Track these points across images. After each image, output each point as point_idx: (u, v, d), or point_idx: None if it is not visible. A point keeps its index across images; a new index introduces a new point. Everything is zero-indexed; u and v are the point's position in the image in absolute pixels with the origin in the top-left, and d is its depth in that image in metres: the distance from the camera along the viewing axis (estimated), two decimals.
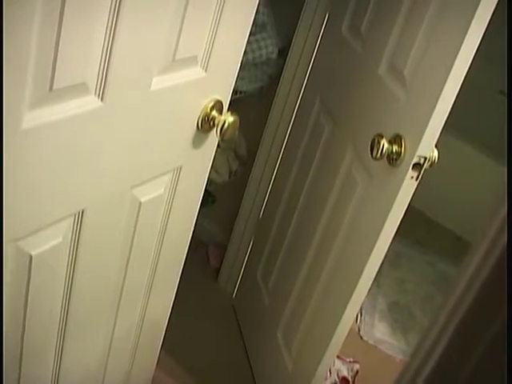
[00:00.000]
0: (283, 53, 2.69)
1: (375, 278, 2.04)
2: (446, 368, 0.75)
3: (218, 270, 3.26)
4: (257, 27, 2.59)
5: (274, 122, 2.78)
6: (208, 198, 3.18)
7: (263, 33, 2.62)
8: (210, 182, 2.98)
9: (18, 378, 1.57)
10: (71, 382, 1.78)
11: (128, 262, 1.69)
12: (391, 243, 1.97)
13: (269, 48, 2.63)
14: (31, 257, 1.34)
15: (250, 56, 2.59)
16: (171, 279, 1.96)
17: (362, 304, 2.63)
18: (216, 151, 1.76)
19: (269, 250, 2.78)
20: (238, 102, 1.99)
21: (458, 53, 1.63)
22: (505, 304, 0.67)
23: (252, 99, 2.81)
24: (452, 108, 1.71)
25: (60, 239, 1.41)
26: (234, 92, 2.65)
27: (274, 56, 2.67)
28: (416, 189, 1.84)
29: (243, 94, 2.75)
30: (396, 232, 1.93)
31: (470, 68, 1.66)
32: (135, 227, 1.63)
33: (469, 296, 0.72)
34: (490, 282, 0.70)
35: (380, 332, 3.23)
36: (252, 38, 2.56)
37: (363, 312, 3.30)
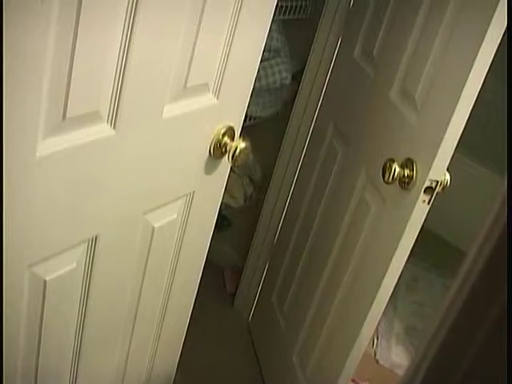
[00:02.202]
0: (297, 78, 2.71)
1: (392, 302, 2.04)
2: (439, 371, 0.76)
3: (233, 295, 3.26)
4: (270, 53, 2.62)
5: (288, 146, 2.80)
6: (223, 222, 3.20)
7: (277, 58, 2.64)
8: (225, 206, 3.01)
9: None
10: None
11: (142, 286, 1.71)
12: (408, 267, 1.97)
13: (282, 74, 2.65)
14: (45, 282, 1.36)
15: (263, 82, 2.61)
16: (186, 303, 1.97)
17: (378, 328, 2.61)
18: (231, 176, 1.78)
19: (284, 273, 2.79)
20: (252, 128, 2.01)
21: (468, 75, 1.63)
22: (493, 305, 0.68)
23: (266, 124, 2.83)
24: (464, 129, 1.72)
25: (74, 265, 1.43)
26: (249, 118, 2.68)
27: (288, 81, 2.69)
28: (431, 211, 1.84)
29: (257, 120, 2.77)
30: (412, 255, 1.93)
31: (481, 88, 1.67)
32: (149, 252, 1.64)
33: (460, 297, 0.73)
34: (479, 282, 0.71)
35: (397, 356, 3.21)
36: (266, 64, 2.59)
37: (379, 336, 3.28)
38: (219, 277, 3.39)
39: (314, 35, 2.59)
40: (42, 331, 1.45)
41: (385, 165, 1.87)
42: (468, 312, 0.72)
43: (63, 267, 1.40)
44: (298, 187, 2.74)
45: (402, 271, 1.98)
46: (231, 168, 1.75)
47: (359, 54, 2.31)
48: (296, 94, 2.72)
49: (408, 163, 1.83)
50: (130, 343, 1.83)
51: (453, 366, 0.74)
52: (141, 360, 1.95)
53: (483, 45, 1.60)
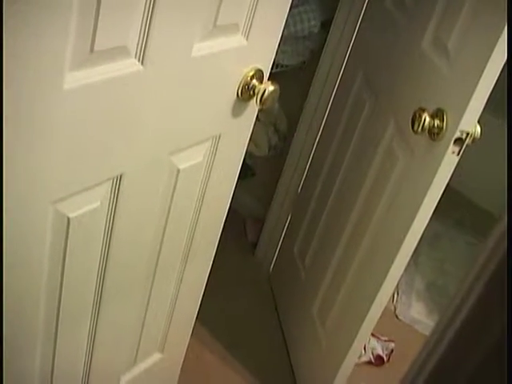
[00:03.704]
0: (325, 26, 2.67)
1: (413, 258, 2.02)
2: (446, 367, 0.74)
3: (255, 245, 3.26)
4: (299, 0, 2.57)
5: (314, 96, 2.76)
6: (247, 171, 3.18)
7: (306, 5, 2.59)
8: (249, 155, 2.99)
9: (54, 344, 1.59)
10: (106, 347, 1.80)
11: (165, 229, 1.69)
12: (431, 223, 1.94)
13: (311, 21, 2.61)
14: (69, 219, 1.35)
15: (292, 29, 2.57)
16: (208, 249, 1.96)
17: (399, 284, 2.59)
18: (256, 125, 1.75)
19: (306, 225, 2.77)
20: (279, 76, 1.97)
21: (503, 27, 1.59)
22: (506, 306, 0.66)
23: (293, 73, 2.80)
24: (495, 85, 1.68)
25: (98, 203, 1.42)
26: (276, 65, 2.65)
27: (316, 30, 2.65)
28: (456, 170, 1.81)
29: (285, 68, 2.74)
30: (436, 212, 1.91)
31: None
32: (173, 194, 1.63)
33: (471, 297, 0.71)
34: (492, 282, 0.69)
35: (417, 312, 3.21)
36: (294, 11, 2.54)
37: (400, 292, 3.28)
38: (241, 226, 3.39)
39: None
40: (65, 270, 1.45)
41: (414, 114, 1.83)
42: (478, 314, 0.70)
43: (87, 205, 1.39)
44: (324, 138, 2.71)
45: (426, 227, 1.95)
46: (257, 116, 1.72)
47: (391, 3, 2.26)
48: (324, 43, 2.68)
49: (438, 113, 1.80)
50: (150, 289, 1.83)
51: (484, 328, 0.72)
52: (161, 306, 1.95)
53: None
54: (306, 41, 2.71)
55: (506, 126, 3.64)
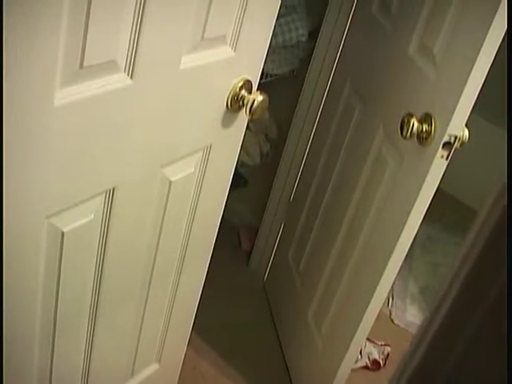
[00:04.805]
0: (313, 35, 2.69)
1: (407, 262, 2.04)
2: (427, 365, 0.75)
3: (249, 253, 3.27)
4: (287, 9, 2.59)
5: (304, 104, 2.78)
6: (240, 180, 3.19)
7: (293, 15, 2.61)
8: (241, 164, 3.00)
9: (51, 355, 1.60)
10: (103, 358, 1.81)
11: (159, 240, 1.71)
12: (423, 227, 1.96)
13: (299, 30, 2.63)
14: (63, 233, 1.37)
15: (280, 39, 2.58)
16: (202, 259, 1.97)
17: (393, 288, 2.60)
18: (247, 134, 1.77)
19: (300, 232, 2.78)
20: (268, 85, 1.99)
21: (488, 29, 1.61)
22: (485, 298, 0.68)
23: (283, 82, 2.81)
24: (482, 88, 1.70)
25: (91, 216, 1.43)
26: (265, 75, 2.66)
27: (304, 39, 2.67)
28: (447, 173, 1.83)
29: (274, 77, 2.75)
30: (428, 216, 1.92)
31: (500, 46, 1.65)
32: (166, 206, 1.64)
33: (453, 288, 0.72)
34: (474, 270, 0.70)
35: (411, 315, 3.22)
36: (282, 21, 2.56)
37: (394, 296, 3.29)
38: (234, 235, 3.40)
39: None
40: (60, 283, 1.46)
41: (403, 120, 1.85)
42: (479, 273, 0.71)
43: (81, 219, 1.41)
44: (315, 145, 2.73)
45: (418, 231, 1.97)
46: (247, 126, 1.74)
47: (377, 10, 2.28)
48: (313, 51, 2.70)
49: (426, 118, 1.82)
50: (146, 299, 1.84)
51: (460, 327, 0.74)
52: (157, 317, 1.96)
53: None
54: (295, 50, 2.73)
55: (505, 125, 3.66)
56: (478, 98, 1.72)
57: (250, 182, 3.25)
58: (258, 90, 1.65)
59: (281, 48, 2.65)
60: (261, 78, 1.68)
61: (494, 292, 0.68)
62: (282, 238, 3.01)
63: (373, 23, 2.29)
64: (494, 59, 1.66)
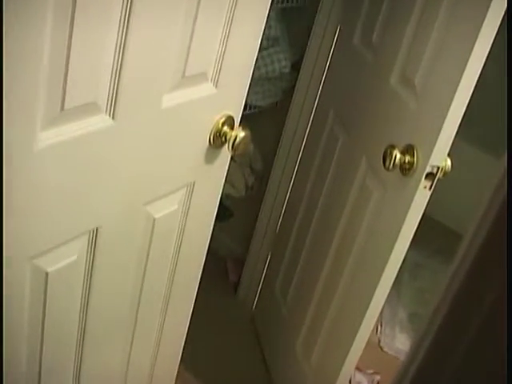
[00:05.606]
0: (296, 66, 2.70)
1: (395, 289, 2.04)
2: (430, 366, 0.76)
3: (236, 285, 3.27)
4: (269, 41, 2.61)
5: (288, 135, 2.79)
6: (225, 212, 3.19)
7: (276, 47, 2.63)
8: (227, 196, 3.01)
9: None
10: None
11: (144, 277, 1.70)
12: (411, 254, 1.96)
13: (282, 62, 2.64)
14: (47, 274, 1.36)
15: (263, 70, 2.60)
16: (188, 294, 1.97)
17: (382, 315, 2.60)
18: (231, 166, 1.77)
19: (286, 262, 2.78)
20: (252, 117, 2.01)
21: (468, 60, 1.63)
22: (484, 298, 0.68)
23: (266, 114, 2.83)
24: (464, 114, 1.71)
25: (75, 257, 1.43)
26: (248, 107, 2.68)
27: (287, 70, 2.68)
28: (433, 199, 1.84)
29: (258, 109, 2.77)
30: (415, 242, 1.93)
31: (480, 73, 1.66)
32: (150, 243, 1.64)
33: (451, 291, 0.73)
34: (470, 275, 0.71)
35: (401, 343, 3.21)
36: (265, 53, 2.58)
37: (383, 323, 3.29)
38: (221, 267, 3.39)
39: (312, 23, 2.59)
40: (45, 325, 1.45)
41: (385, 151, 1.86)
42: (465, 295, 0.71)
43: (65, 259, 1.40)
44: (300, 176, 2.74)
45: (405, 258, 1.98)
46: (232, 158, 1.74)
47: (358, 41, 2.30)
48: (295, 82, 2.72)
49: (409, 149, 1.83)
50: (132, 336, 1.83)
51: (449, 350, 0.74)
52: (144, 352, 1.95)
53: (482, 29, 1.59)
54: (278, 81, 2.74)
55: (505, 128, 3.69)
56: (462, 121, 1.72)
57: (235, 214, 3.25)
58: (241, 122, 1.66)
59: (264, 80, 2.67)
60: (244, 109, 1.68)
61: (476, 321, 0.69)
62: (269, 269, 3.01)
63: (355, 54, 2.31)
64: (476, 85, 1.67)
